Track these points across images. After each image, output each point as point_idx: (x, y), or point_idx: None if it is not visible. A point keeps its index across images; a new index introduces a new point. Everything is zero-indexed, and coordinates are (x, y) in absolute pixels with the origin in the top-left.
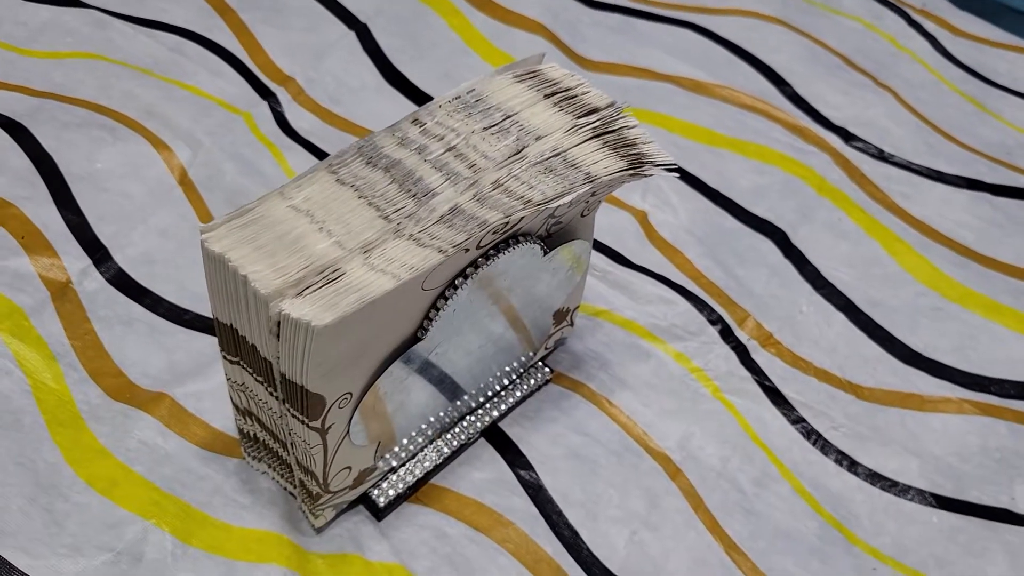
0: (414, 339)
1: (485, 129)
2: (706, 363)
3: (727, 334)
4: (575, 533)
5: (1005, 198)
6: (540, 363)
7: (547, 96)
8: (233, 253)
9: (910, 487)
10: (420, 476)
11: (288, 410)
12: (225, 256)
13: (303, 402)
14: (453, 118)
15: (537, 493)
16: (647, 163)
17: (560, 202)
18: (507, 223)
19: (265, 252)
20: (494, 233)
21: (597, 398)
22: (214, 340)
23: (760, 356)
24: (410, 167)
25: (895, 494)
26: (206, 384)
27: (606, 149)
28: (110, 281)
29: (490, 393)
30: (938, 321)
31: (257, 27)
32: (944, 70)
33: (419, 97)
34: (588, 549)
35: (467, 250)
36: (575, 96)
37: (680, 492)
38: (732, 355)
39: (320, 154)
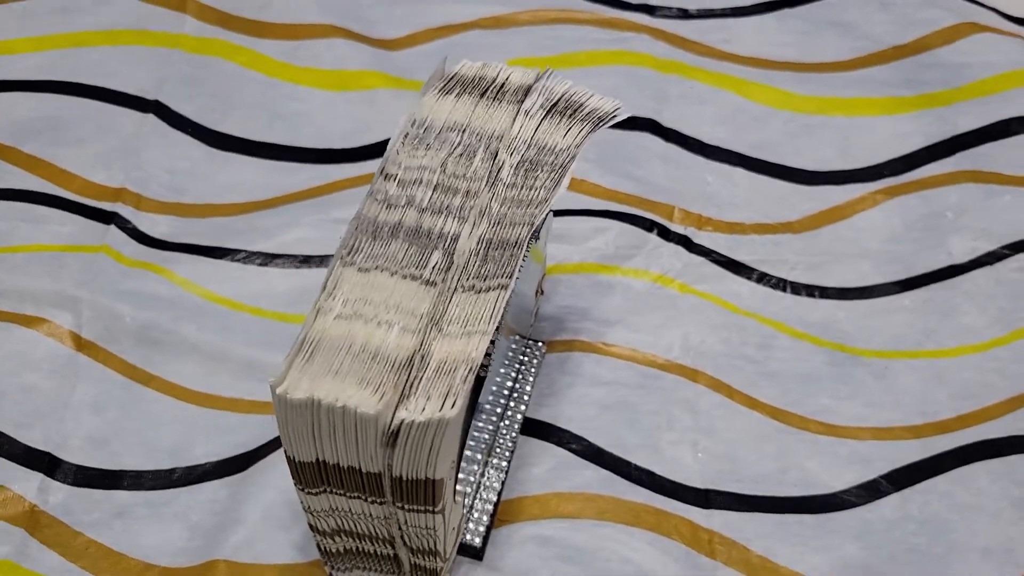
0: (480, 376)
1: (451, 155)
2: (663, 267)
3: (665, 233)
4: (650, 473)
5: (801, 6)
6: (531, 341)
7: (481, 96)
8: (320, 391)
9: (872, 286)
10: (496, 500)
11: (402, 507)
12: (315, 398)
13: (426, 493)
14: (416, 157)
15: (599, 456)
16: (603, 116)
17: (563, 189)
18: (534, 231)
19: (346, 374)
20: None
21: (593, 346)
22: (220, 484)
23: (702, 238)
24: (414, 223)
25: (866, 297)
26: (246, 528)
27: (563, 120)
28: (75, 483)
29: (507, 392)
30: (814, 136)
31: (49, 153)
32: None
33: (254, 149)
34: (669, 480)
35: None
36: (503, 84)
37: (709, 388)
38: (679, 249)
39: (203, 251)
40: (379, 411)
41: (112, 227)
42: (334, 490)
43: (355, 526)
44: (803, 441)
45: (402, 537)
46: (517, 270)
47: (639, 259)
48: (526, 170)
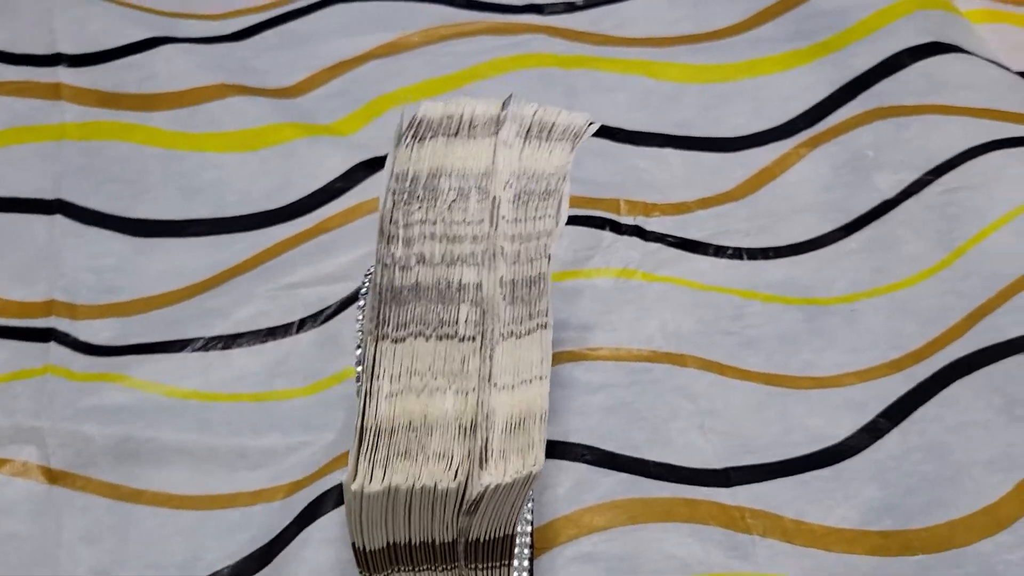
0: None
1: (446, 203)
2: (623, 261)
3: (617, 227)
4: (668, 466)
5: None
6: None
7: (455, 135)
8: (396, 478)
9: (820, 236)
10: (531, 531)
11: (475, 568)
12: (392, 485)
13: (503, 549)
14: (412, 213)
15: (614, 461)
16: (578, 131)
17: (565, 212)
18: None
19: (416, 453)
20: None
21: (579, 354)
22: None
23: (652, 224)
24: (432, 280)
25: (816, 248)
26: None
27: (542, 143)
28: None
29: None
30: (727, 104)
31: None
32: None
33: (178, 228)
34: (688, 468)
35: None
36: (471, 119)
37: (698, 369)
38: (634, 240)
39: (157, 348)
40: (460, 483)
41: (51, 344)
42: (402, 568)
43: None
44: (798, 400)
45: None
46: (549, 305)
47: (598, 258)
48: (524, 202)
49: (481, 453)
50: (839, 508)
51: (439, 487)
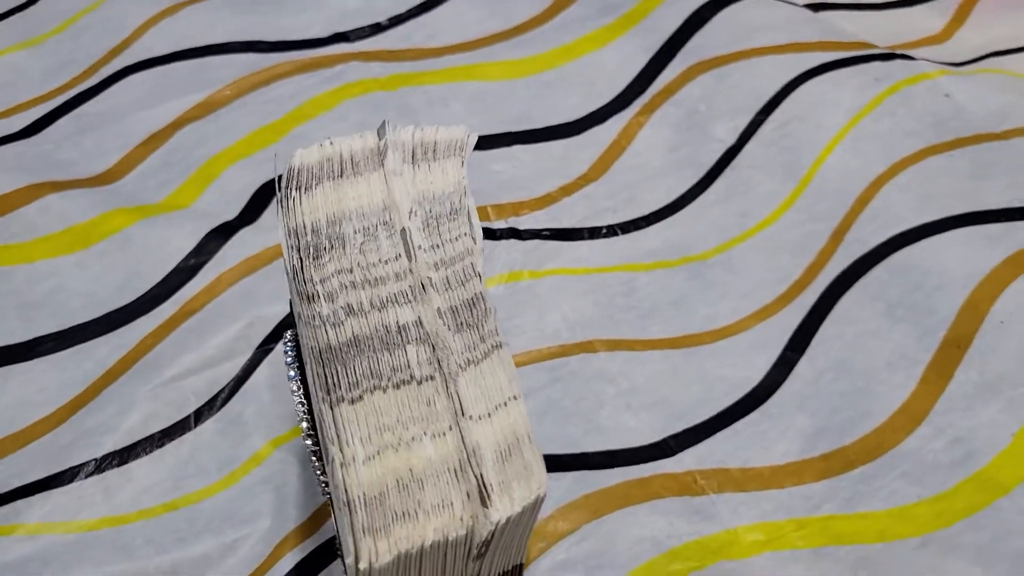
0: None
1: (355, 248)
2: (507, 265)
3: (492, 234)
4: (610, 452)
5: None
6: None
7: (341, 176)
8: (402, 543)
9: (681, 196)
10: None
11: None
12: (402, 553)
13: None
14: (324, 266)
15: (560, 463)
16: (461, 144)
17: (478, 227)
18: (482, 278)
19: (414, 511)
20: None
21: None
22: None
23: (524, 223)
24: (369, 331)
25: (681, 208)
26: None
27: (431, 163)
28: None
29: None
30: (558, 90)
31: None
32: None
33: (24, 352)
34: (628, 449)
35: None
36: (351, 157)
37: (609, 351)
38: (512, 242)
39: (41, 485)
40: (470, 526)
41: None
42: None
43: None
44: (708, 355)
45: None
46: (496, 323)
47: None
48: (434, 226)
49: (480, 491)
50: (777, 445)
51: (449, 539)
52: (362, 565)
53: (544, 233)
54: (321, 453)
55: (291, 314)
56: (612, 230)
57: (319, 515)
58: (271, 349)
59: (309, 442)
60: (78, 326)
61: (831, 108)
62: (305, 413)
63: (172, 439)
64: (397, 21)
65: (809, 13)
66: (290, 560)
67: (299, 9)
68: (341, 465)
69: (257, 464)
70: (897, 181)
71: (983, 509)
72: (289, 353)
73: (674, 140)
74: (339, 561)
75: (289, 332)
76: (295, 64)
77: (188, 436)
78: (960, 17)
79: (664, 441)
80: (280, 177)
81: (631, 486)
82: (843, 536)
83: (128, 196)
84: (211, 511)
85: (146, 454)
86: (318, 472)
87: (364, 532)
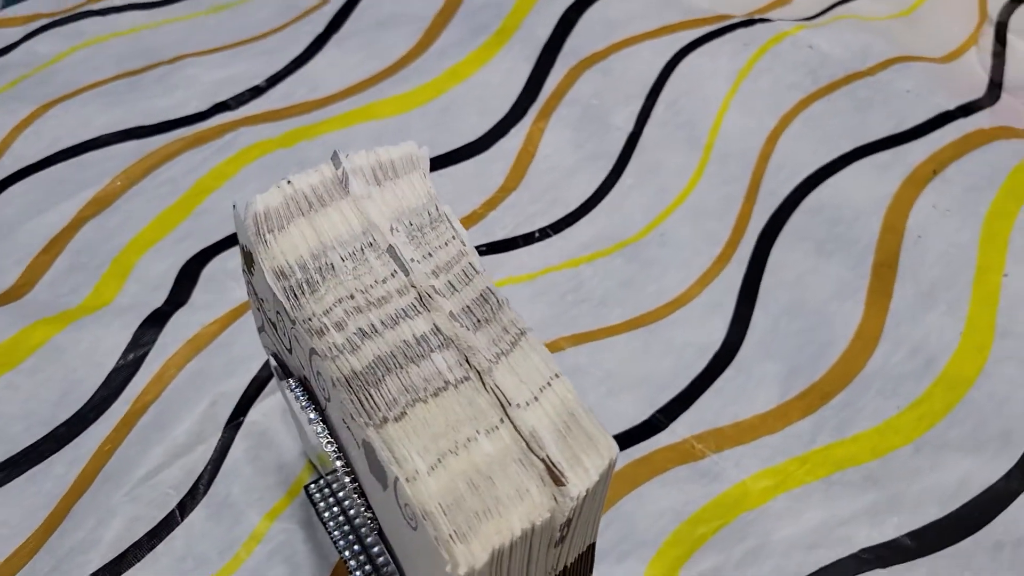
0: None
1: (349, 274)
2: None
3: None
4: (627, 434)
5: (343, 27)
6: None
7: (310, 211)
8: (494, 539)
9: (599, 187)
10: None
11: None
12: (496, 548)
13: (589, 560)
14: (322, 299)
15: None
16: (415, 158)
17: (461, 229)
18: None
19: (494, 509)
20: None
21: None
22: None
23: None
24: (388, 350)
25: (602, 198)
26: None
27: (393, 181)
28: None
29: None
30: (455, 114)
31: None
32: None
33: None
34: (622, 432)
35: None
36: (313, 191)
37: (576, 345)
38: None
39: None
40: (552, 508)
41: None
42: None
43: None
44: (668, 327)
45: None
46: (514, 312)
47: None
48: (419, 238)
49: (551, 472)
50: (758, 394)
51: (536, 525)
52: (463, 572)
53: (481, 249)
54: (361, 488)
55: (274, 367)
56: (544, 232)
57: (338, 573)
58: (240, 423)
59: (348, 480)
60: (26, 450)
61: (712, 78)
62: (336, 451)
63: (162, 538)
64: (275, 81)
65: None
66: None
67: (170, 89)
68: (407, 481)
69: (258, 542)
70: (790, 132)
71: (957, 404)
72: (300, 398)
73: (577, 137)
74: None
75: (290, 380)
76: (182, 142)
77: (178, 531)
78: None
79: (653, 417)
80: (247, 225)
81: (636, 466)
82: (843, 460)
83: (44, 306)
84: None
85: (139, 560)
86: (362, 508)
87: (453, 539)
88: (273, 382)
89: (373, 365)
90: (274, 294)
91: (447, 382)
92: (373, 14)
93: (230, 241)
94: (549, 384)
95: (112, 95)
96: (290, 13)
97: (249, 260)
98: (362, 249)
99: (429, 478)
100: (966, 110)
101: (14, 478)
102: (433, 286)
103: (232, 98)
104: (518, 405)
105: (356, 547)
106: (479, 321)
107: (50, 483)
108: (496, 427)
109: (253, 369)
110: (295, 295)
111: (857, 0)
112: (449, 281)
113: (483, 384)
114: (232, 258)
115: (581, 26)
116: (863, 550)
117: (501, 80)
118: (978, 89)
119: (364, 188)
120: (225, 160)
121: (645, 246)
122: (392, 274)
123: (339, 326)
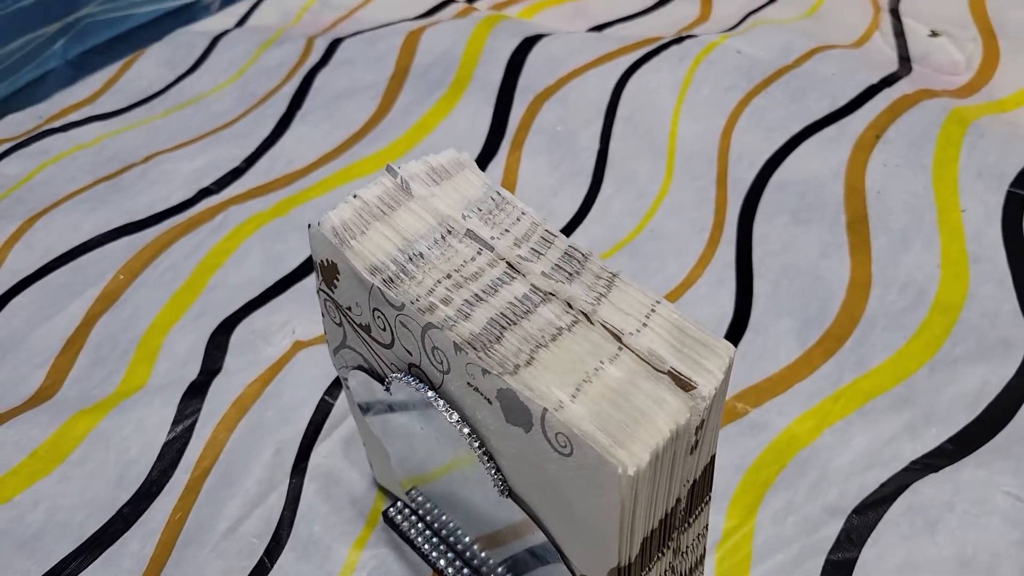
0: None
1: (440, 259)
2: None
3: None
4: None
5: (306, 103)
6: None
7: (383, 215)
8: (650, 441)
9: (583, 202)
10: None
11: (697, 514)
12: (655, 448)
13: (710, 473)
14: (423, 280)
15: None
16: (460, 160)
17: (525, 206)
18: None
19: (639, 417)
20: None
21: None
22: None
23: None
24: (495, 313)
25: (588, 210)
26: None
27: (451, 179)
28: None
29: None
30: None
31: None
32: None
33: None
34: None
35: None
36: (377, 200)
37: None
38: None
39: None
40: (691, 406)
41: None
42: (660, 557)
43: None
44: (682, 307)
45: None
46: (601, 261)
47: None
48: (491, 221)
49: (679, 381)
50: (779, 350)
51: (680, 426)
52: (632, 472)
53: None
54: (492, 456)
55: (348, 388)
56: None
57: None
58: (306, 467)
59: (476, 446)
60: (94, 535)
61: (659, 92)
62: (459, 421)
63: None
64: (252, 161)
65: (597, 33)
66: None
67: (150, 185)
68: (556, 410)
69: (352, 571)
70: (740, 127)
71: (955, 326)
72: (421, 388)
73: (552, 161)
74: None
75: (396, 376)
76: (175, 230)
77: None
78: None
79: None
80: (327, 238)
81: None
82: (872, 391)
83: (77, 400)
84: None
85: None
86: (493, 472)
87: (615, 446)
88: (332, 421)
89: (488, 326)
90: (372, 289)
91: (559, 328)
92: (329, 90)
93: (250, 307)
94: (653, 310)
95: (94, 199)
96: (248, 101)
97: (331, 274)
98: (443, 237)
99: (574, 404)
100: (888, 81)
101: (88, 565)
102: (519, 255)
103: (214, 183)
104: (630, 333)
105: (450, 555)
106: (571, 275)
107: (127, 561)
108: (616, 355)
109: (307, 415)
110: (393, 283)
111: (766, 8)
112: (532, 248)
113: (592, 323)
114: (259, 320)
115: (529, 66)
116: (912, 462)
117: (468, 123)
118: (892, 64)
119: (426, 189)
120: (222, 239)
121: (641, 243)
122: (478, 252)
123: (446, 301)
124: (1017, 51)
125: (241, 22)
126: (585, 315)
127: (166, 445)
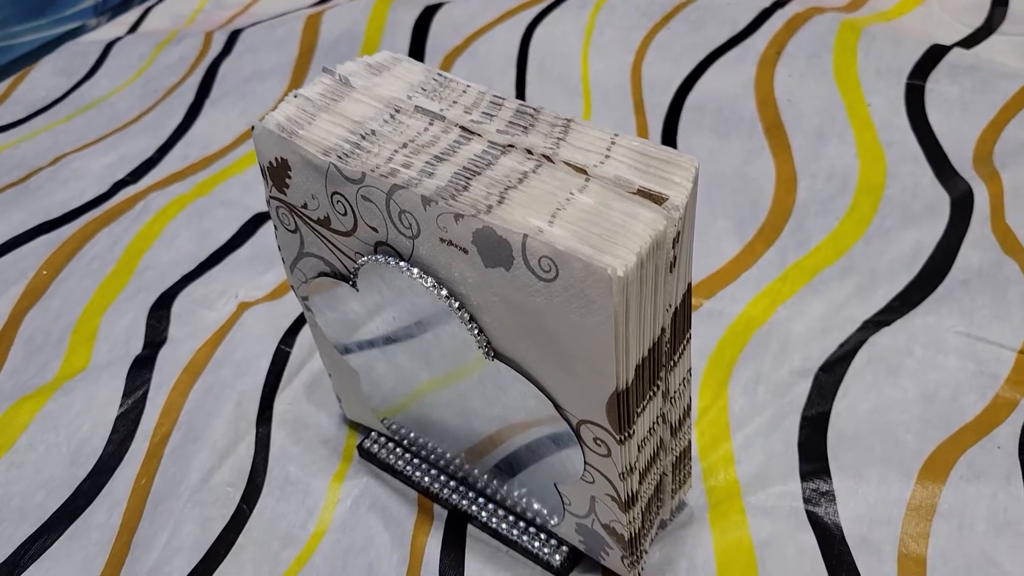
0: None
1: (393, 132)
2: None
3: None
4: None
5: None
6: None
7: (328, 109)
8: (631, 245)
9: None
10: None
11: (681, 352)
12: (640, 253)
13: (688, 305)
14: (379, 154)
15: None
16: (398, 57)
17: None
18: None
19: (617, 229)
20: None
21: None
22: None
23: None
24: (460, 166)
25: None
26: None
27: (391, 70)
28: None
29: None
30: None
31: None
32: None
33: None
34: None
35: None
36: (320, 96)
37: None
38: None
39: None
40: (665, 216)
41: None
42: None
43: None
44: None
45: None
46: (553, 112)
47: None
48: (438, 95)
49: (650, 197)
50: (721, 247)
51: (656, 233)
52: (621, 272)
53: None
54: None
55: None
56: None
57: (423, 503)
58: (271, 415)
59: (457, 305)
60: (56, 512)
61: (564, 39)
62: (435, 284)
63: (239, 531)
64: (165, 150)
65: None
66: (436, 535)
67: (62, 184)
68: (538, 232)
69: (336, 503)
70: (648, 61)
71: (881, 202)
72: (391, 261)
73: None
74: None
75: (364, 259)
76: (95, 223)
77: (252, 521)
78: None
79: None
80: (271, 134)
81: None
82: (816, 266)
83: (16, 390)
84: (331, 555)
85: (225, 556)
86: (476, 332)
87: (600, 254)
88: (291, 368)
89: (454, 179)
90: (328, 170)
91: (524, 172)
92: (236, 76)
93: (186, 280)
94: (613, 143)
95: (5, 204)
96: (152, 96)
97: (281, 173)
98: (392, 116)
99: (552, 228)
100: (779, 3)
101: (55, 541)
102: (472, 119)
103: (128, 175)
104: (595, 165)
105: (433, 472)
106: (526, 128)
107: (96, 532)
108: (585, 185)
109: (264, 366)
110: (350, 157)
111: None
112: (483, 112)
113: (555, 164)
114: (198, 289)
115: (434, 31)
116: (866, 321)
117: None
118: None
119: (367, 80)
120: (146, 223)
121: None
122: (430, 123)
123: (407, 166)
124: None
125: (133, 29)
126: (547, 157)
127: (119, 418)
